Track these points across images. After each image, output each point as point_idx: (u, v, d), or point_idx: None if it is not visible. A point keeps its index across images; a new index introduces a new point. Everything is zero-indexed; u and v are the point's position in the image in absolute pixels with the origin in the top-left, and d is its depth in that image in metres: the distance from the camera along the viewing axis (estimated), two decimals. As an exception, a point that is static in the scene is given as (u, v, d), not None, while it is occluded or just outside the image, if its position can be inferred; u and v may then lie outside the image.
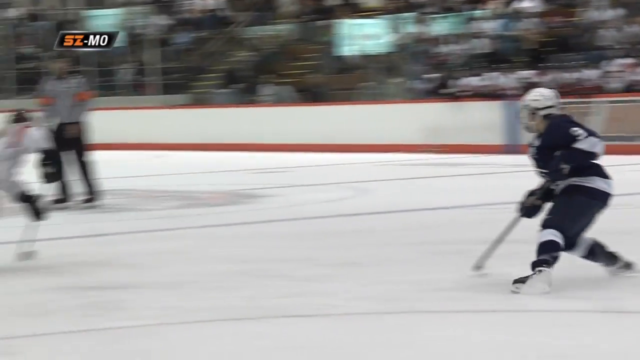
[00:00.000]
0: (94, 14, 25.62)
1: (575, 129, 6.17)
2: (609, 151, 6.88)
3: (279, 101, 21.50)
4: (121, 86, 24.57)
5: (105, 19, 25.36)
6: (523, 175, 12.49)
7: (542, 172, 6.28)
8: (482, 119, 17.98)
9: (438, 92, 18.90)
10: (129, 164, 18.50)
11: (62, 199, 11.19)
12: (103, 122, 22.40)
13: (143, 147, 21.00)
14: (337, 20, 22.36)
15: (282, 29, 23.83)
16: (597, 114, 16.92)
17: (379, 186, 13.21)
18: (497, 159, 16.16)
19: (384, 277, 6.83)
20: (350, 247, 8.18)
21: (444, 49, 19.86)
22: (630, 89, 17.08)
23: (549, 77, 17.64)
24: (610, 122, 16.77)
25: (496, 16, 19.59)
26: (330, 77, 22.02)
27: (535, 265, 6.05)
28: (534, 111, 6.33)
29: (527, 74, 17.97)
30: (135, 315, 5.94)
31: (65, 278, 7.19)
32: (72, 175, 11.33)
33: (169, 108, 23.13)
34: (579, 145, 6.11)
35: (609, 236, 6.86)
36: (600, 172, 6.31)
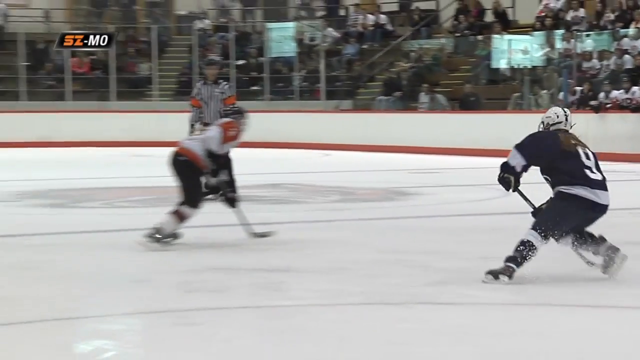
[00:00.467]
0: (272, 26, 26.06)
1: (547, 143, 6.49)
2: None
3: (435, 108, 21.49)
4: (294, 92, 24.93)
5: (282, 31, 25.78)
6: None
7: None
8: (624, 129, 17.61)
9: (584, 104, 18.58)
10: (299, 161, 18.82)
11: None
12: (278, 123, 23.00)
13: (312, 147, 21.31)
14: (492, 35, 22.20)
15: (441, 42, 23.81)
16: None
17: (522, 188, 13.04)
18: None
19: (517, 272, 6.84)
20: (490, 244, 8.18)
21: (591, 64, 19.50)
22: None
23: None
24: None
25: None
26: (483, 87, 21.89)
27: (506, 260, 6.37)
28: (547, 127, 6.64)
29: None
30: (294, 295, 6.13)
31: (237, 259, 7.44)
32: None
33: (336, 112, 23.41)
34: None
35: None
36: (586, 183, 6.39)
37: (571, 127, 6.73)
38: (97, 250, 7.91)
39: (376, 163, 17.40)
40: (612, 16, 20.16)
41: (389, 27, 25.13)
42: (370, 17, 25.27)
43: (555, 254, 7.33)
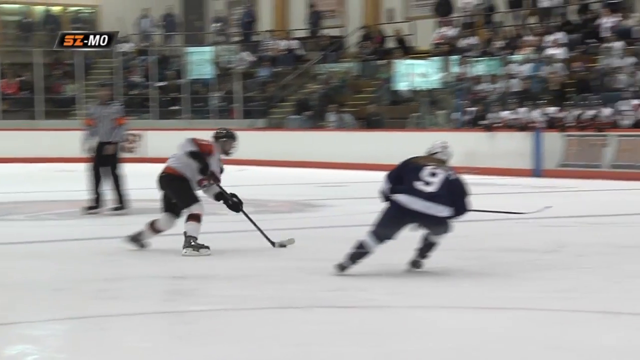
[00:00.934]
0: (191, 50, 25.96)
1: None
2: (621, 177, 6.93)
3: (342, 127, 21.65)
4: (212, 111, 24.87)
5: (200, 54, 25.70)
6: (548, 194, 12.48)
7: None
8: (512, 147, 17.94)
9: (476, 123, 18.91)
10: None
11: (95, 207, 11.38)
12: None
13: (228, 162, 21.18)
14: (393, 60, 22.45)
15: (347, 66, 23.99)
16: (610, 145, 16.83)
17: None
18: (525, 181, 16.11)
19: (418, 276, 6.92)
20: (388, 252, 8.22)
21: (482, 87, 19.85)
22: (638, 125, 16.94)
23: (570, 113, 17.56)
24: (620, 153, 16.70)
25: (528, 60, 19.53)
26: (386, 107, 22.11)
27: (345, 257, 6.84)
28: (429, 152, 7.12)
29: (551, 110, 17.90)
30: (205, 301, 6.09)
31: (153, 268, 7.37)
32: (106, 186, 11.53)
33: (251, 130, 23.39)
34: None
35: (615, 249, 6.86)
36: (409, 191, 6.82)
37: (448, 157, 7.11)
38: (23, 260, 7.77)
39: (287, 177, 17.41)
40: (500, 43, 20.56)
41: (300, 52, 25.23)
42: (283, 42, 25.36)
43: (451, 259, 7.45)
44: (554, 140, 17.52)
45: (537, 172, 17.38)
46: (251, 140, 22.52)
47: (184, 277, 6.92)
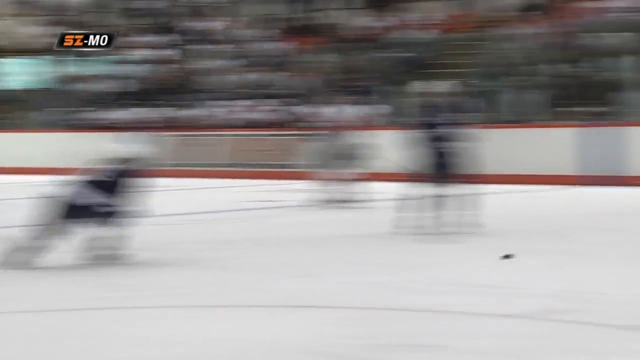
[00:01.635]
0: None
1: None
2: (237, 175, 6.87)
3: None
4: None
5: None
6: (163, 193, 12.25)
7: None
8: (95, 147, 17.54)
9: (67, 123, 18.56)
10: None
11: None
12: None
13: None
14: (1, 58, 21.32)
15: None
16: (223, 145, 17.00)
17: (21, 203, 12.47)
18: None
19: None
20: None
21: (80, 86, 19.39)
22: (249, 125, 17.30)
23: (160, 113, 17.70)
24: (233, 152, 16.92)
25: (123, 61, 19.38)
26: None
27: None
28: None
29: (139, 110, 17.92)
30: None
31: None
32: None
33: None
34: None
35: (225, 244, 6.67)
36: None
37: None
38: None
39: None
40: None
41: None
42: None
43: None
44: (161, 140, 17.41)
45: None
46: None
47: None
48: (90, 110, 18.25)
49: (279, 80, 17.71)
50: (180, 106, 17.51)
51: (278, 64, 17.89)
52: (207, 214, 10.89)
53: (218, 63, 18.48)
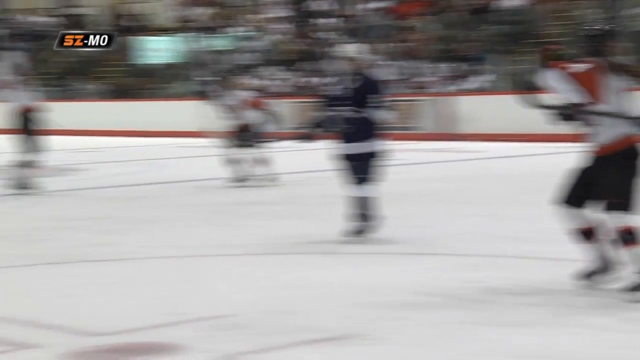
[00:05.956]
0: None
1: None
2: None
3: (93, 97, 21.16)
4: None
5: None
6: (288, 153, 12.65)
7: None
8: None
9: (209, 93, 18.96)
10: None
11: None
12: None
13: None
14: (137, 36, 22.03)
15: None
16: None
17: (172, 162, 13.13)
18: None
19: (172, 230, 6.84)
20: (148, 208, 8.12)
21: (218, 59, 19.86)
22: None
23: (301, 81, 17.99)
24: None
25: (254, 34, 19.79)
26: (133, 79, 21.68)
27: None
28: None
29: (284, 77, 18.27)
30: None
31: None
32: None
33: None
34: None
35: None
36: None
37: None
38: None
39: (47, 144, 16.56)
40: (229, 20, 20.67)
41: (49, 29, 24.09)
42: (33, 19, 24.21)
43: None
44: (280, 106, 17.82)
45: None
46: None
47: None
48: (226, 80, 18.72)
49: (392, 49, 17.86)
50: (308, 75, 17.84)
51: (388, 34, 18.11)
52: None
53: (334, 35, 18.74)
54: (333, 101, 6.11)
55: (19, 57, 9.56)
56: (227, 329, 3.94)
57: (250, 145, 9.60)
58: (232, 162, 9.72)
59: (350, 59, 6.10)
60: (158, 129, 18.94)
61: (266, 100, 10.19)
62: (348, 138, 6.07)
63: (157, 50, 21.43)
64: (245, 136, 9.62)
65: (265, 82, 18.39)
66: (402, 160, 12.09)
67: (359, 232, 6.06)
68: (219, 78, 10.29)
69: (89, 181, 10.59)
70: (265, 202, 8.38)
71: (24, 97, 9.45)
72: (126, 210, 7.99)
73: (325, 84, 6.56)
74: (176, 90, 20.43)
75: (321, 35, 18.96)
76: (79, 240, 6.42)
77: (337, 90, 6.10)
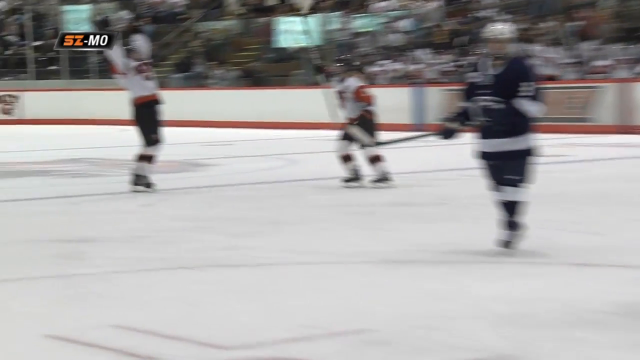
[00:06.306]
0: (68, 9, 25.27)
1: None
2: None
3: (225, 85, 21.50)
4: (91, 70, 24.31)
5: (77, 13, 25.05)
6: (428, 148, 12.62)
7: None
8: (393, 102, 18.07)
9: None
10: (98, 137, 18.41)
11: None
12: (77, 101, 22.35)
13: (110, 123, 20.83)
14: (275, 17, 22.34)
15: (228, 24, 23.75)
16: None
17: (306, 157, 13.30)
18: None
19: (304, 233, 6.94)
20: (278, 208, 8.26)
21: (363, 41, 19.97)
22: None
23: (452, 65, 17.85)
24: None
25: (405, 14, 19.75)
26: (269, 64, 22.03)
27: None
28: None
29: (434, 61, 18.17)
30: (95, 264, 5.97)
31: (39, 231, 7.20)
32: None
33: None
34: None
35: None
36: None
37: None
38: None
39: (172, 137, 17.14)
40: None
41: (180, 9, 24.87)
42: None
43: (339, 215, 7.49)
44: (433, 95, 17.76)
45: (417, 126, 17.60)
46: (133, 100, 22.18)
47: (72, 241, 6.76)
48: (375, 63, 18.84)
49: (553, 29, 17.52)
50: (460, 58, 17.73)
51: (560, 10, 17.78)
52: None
53: (492, 13, 18.54)
54: (474, 89, 5.89)
55: (141, 41, 9.63)
56: (372, 345, 3.96)
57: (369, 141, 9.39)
58: (353, 159, 9.64)
59: (496, 41, 5.82)
60: (293, 120, 19.21)
61: (371, 92, 9.82)
62: (488, 133, 5.84)
63: (296, 32, 21.68)
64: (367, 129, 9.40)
65: (413, 67, 18.39)
66: (569, 157, 11.97)
67: (507, 243, 5.90)
68: (342, 63, 10.15)
69: (216, 178, 10.87)
70: (405, 203, 8.38)
71: (146, 85, 9.58)
72: (257, 210, 8.15)
73: (469, 70, 6.18)
74: (313, 77, 20.66)
75: (477, 13, 18.78)
76: (205, 243, 6.60)
77: (477, 77, 5.88)
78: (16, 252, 6.43)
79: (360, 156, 9.68)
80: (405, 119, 17.83)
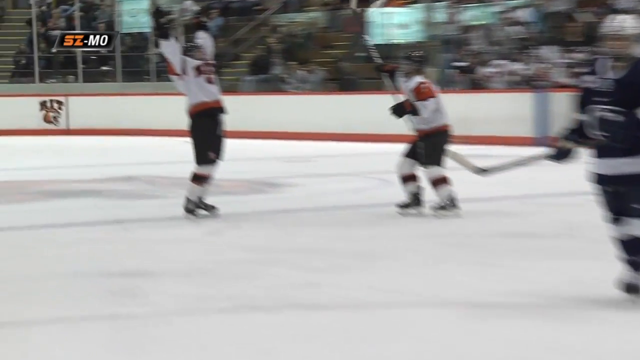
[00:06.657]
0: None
1: None
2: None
3: (307, 89, 21.57)
4: (150, 72, 24.69)
5: (135, 3, 25.51)
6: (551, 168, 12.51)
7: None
8: (510, 109, 17.95)
9: (468, 81, 18.99)
10: (155, 150, 18.68)
11: None
12: (131, 108, 22.73)
13: (170, 134, 21.12)
14: (367, 9, 22.38)
15: (312, 16, 23.87)
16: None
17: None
18: (526, 152, 16.15)
19: (397, 269, 6.97)
20: (367, 239, 8.30)
21: (474, 37, 19.92)
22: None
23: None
24: None
25: (526, 5, 19.65)
26: (360, 65, 22.05)
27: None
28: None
29: (558, 61, 18.05)
30: (150, 301, 6.09)
31: (84, 262, 7.37)
32: None
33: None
34: None
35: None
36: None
37: None
38: None
39: (243, 151, 17.38)
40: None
41: (255, 0, 25.14)
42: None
43: (441, 246, 7.50)
44: (560, 101, 17.60)
45: (540, 140, 17.45)
46: (197, 107, 22.47)
47: (124, 274, 6.91)
48: (481, 64, 18.80)
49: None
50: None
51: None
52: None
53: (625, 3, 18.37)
54: (589, 97, 5.71)
55: (206, 39, 9.70)
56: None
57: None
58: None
59: (616, 38, 5.59)
60: (387, 132, 19.21)
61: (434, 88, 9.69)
62: (606, 151, 5.64)
63: (396, 26, 21.68)
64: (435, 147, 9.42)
65: (536, 68, 18.29)
66: None
67: (632, 287, 5.74)
68: (410, 61, 9.99)
69: (294, 201, 10.96)
70: (524, 234, 8.35)
71: (207, 90, 9.56)
72: (342, 240, 8.21)
73: (584, 73, 5.93)
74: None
75: (616, 2, 18.59)
76: (281, 279, 6.68)
77: (594, 82, 5.69)
78: (58, 287, 6.59)
79: (422, 177, 9.62)
80: (525, 130, 17.68)
